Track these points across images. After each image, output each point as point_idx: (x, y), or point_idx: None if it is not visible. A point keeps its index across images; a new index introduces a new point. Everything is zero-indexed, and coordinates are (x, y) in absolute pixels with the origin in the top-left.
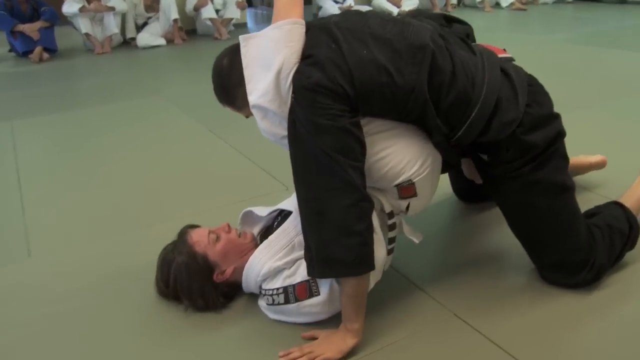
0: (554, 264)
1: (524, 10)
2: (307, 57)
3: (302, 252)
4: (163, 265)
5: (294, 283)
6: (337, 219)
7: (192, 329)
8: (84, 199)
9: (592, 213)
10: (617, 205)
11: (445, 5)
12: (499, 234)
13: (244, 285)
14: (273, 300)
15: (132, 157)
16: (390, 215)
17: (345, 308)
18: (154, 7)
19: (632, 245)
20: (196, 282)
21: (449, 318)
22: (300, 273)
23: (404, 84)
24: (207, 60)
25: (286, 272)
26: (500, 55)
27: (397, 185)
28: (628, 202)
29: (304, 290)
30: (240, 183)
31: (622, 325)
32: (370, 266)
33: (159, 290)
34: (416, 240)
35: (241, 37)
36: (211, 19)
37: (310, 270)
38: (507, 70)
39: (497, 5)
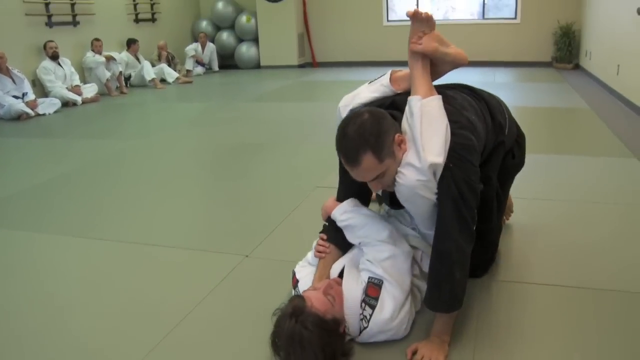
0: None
1: (190, 82)
2: (453, 122)
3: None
4: (294, 345)
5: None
6: (467, 265)
7: None
8: None
9: None
10: None
11: (119, 88)
12: None
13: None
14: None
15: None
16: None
17: (445, 325)
18: None
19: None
20: (335, 342)
21: None
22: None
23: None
24: None
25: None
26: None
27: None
28: None
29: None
30: (194, 270)
31: None
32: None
33: None
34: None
35: (416, 99)
36: None
37: (434, 305)
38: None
39: (164, 81)
